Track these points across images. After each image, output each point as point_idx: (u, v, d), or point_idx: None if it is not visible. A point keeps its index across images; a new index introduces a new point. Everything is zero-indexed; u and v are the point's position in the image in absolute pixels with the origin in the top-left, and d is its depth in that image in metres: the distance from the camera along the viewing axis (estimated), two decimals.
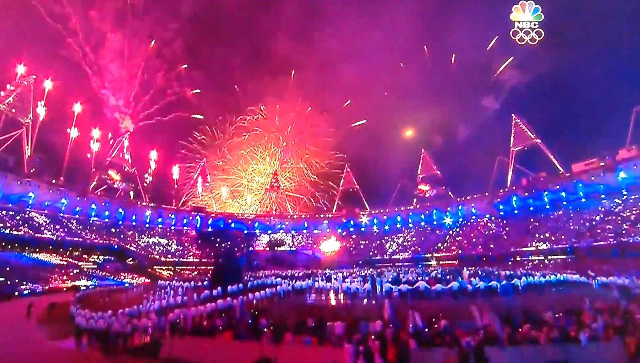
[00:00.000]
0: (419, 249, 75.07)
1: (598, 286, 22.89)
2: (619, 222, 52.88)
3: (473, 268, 37.83)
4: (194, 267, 69.42)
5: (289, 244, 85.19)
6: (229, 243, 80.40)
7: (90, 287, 43.28)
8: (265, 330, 12.45)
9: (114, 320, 15.59)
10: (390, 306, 14.54)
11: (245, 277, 29.38)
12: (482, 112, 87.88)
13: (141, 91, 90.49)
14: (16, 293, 36.26)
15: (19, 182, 60.00)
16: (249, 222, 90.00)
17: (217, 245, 78.77)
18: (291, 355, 10.58)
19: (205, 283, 28.60)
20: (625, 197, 56.79)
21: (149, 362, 12.77)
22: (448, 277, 23.07)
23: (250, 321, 14.40)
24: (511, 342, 10.38)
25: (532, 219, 66.35)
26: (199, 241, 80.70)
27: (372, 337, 10.41)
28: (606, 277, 23.98)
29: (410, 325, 12.12)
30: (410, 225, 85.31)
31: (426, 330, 11.73)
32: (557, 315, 13.04)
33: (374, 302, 18.68)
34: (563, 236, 56.89)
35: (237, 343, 11.70)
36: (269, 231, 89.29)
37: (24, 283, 40.07)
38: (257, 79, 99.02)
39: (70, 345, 15.66)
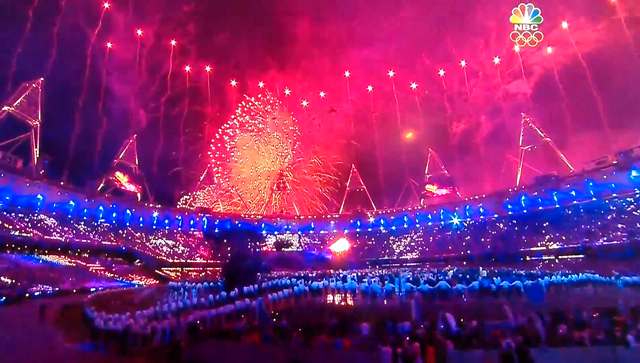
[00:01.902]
0: (427, 249, 74.46)
1: (622, 286, 22.31)
2: (632, 221, 52.11)
3: (483, 268, 37.15)
4: (201, 268, 69.21)
5: (295, 245, 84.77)
6: (236, 243, 79.98)
7: (100, 289, 43.13)
8: (294, 332, 12.08)
9: (133, 321, 15.33)
10: (417, 307, 14.20)
11: (259, 278, 29.06)
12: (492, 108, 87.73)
13: (149, 81, 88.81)
14: (27, 295, 36.08)
15: (27, 184, 60.08)
16: (256, 223, 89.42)
17: (225, 246, 78.36)
18: (322, 357, 10.22)
19: (218, 284, 28.25)
20: (638, 195, 55.91)
21: None
22: (467, 277, 22.60)
23: (274, 321, 14.07)
24: (551, 343, 9.98)
25: (542, 219, 65.41)
26: (207, 242, 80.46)
27: (408, 338, 10.00)
28: (629, 277, 23.40)
29: (441, 326, 11.72)
30: (418, 225, 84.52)
31: (463, 331, 11.29)
32: (594, 315, 12.56)
33: (395, 302, 18.30)
34: (574, 236, 56.18)
35: (265, 346, 11.31)
36: (276, 232, 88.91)
37: (34, 285, 39.98)
38: (265, 74, 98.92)
39: (87, 348, 15.39)
